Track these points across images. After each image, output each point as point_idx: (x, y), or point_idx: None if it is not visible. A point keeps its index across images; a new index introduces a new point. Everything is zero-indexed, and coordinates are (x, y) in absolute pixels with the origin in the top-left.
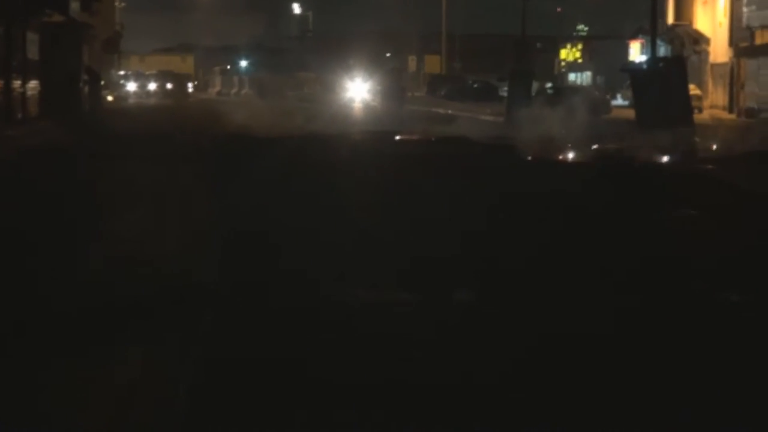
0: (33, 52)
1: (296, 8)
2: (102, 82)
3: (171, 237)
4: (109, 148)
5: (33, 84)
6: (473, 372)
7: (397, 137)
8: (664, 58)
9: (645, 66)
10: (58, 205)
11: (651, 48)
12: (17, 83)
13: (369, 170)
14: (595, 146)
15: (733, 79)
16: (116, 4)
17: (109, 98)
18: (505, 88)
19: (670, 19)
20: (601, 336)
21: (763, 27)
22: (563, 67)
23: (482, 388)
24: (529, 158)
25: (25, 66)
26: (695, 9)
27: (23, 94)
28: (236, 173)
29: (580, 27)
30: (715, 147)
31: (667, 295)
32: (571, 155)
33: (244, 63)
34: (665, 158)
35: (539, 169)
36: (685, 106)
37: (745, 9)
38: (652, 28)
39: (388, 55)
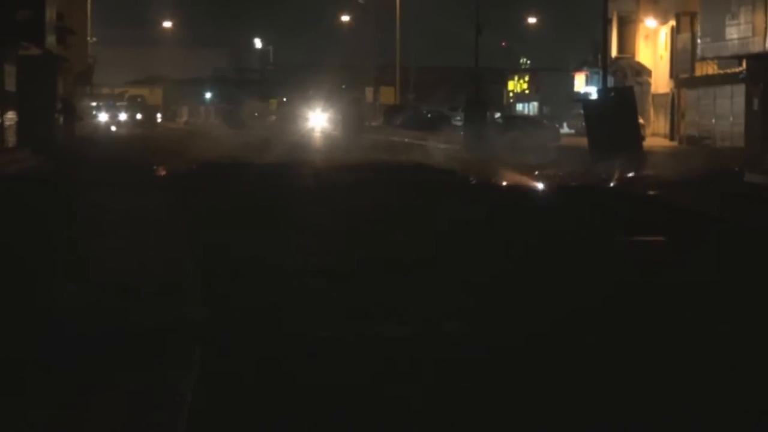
0: (10, 83)
1: (258, 43)
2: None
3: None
4: (84, 176)
5: (11, 115)
6: None
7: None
8: (615, 89)
9: (596, 96)
10: (37, 229)
11: (603, 80)
12: None
13: (347, 198)
14: (553, 172)
15: (674, 108)
16: (89, 39)
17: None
18: (458, 118)
19: (614, 52)
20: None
21: (718, 58)
22: (511, 97)
23: None
24: (498, 184)
25: (3, 97)
26: (637, 43)
27: (1, 124)
28: (202, 200)
29: (523, 60)
30: (665, 172)
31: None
32: (532, 180)
33: (208, 95)
34: (618, 183)
35: (503, 195)
36: (635, 133)
37: (699, 41)
38: (603, 61)
39: (343, 86)
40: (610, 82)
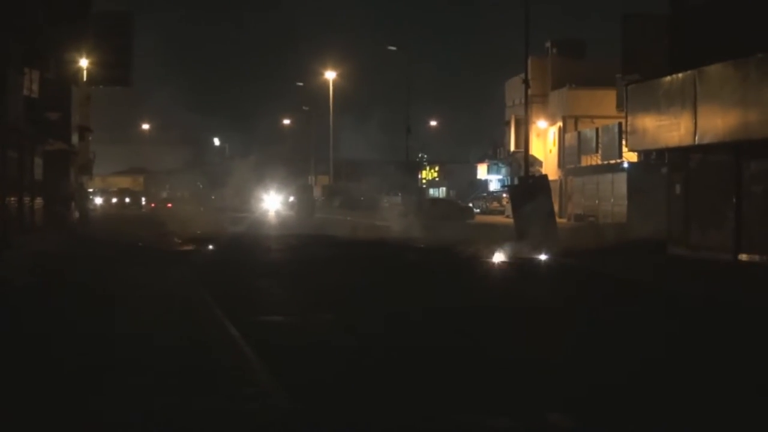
0: (38, 173)
1: (216, 141)
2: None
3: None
4: (100, 253)
5: (39, 200)
6: None
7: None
8: (533, 177)
9: (517, 183)
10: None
11: (525, 168)
12: (27, 199)
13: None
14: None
15: (562, 192)
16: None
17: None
18: (385, 200)
19: (512, 147)
20: None
21: (647, 150)
22: (424, 183)
23: None
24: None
25: (33, 185)
26: (531, 139)
27: (32, 208)
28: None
29: (420, 155)
30: (574, 244)
31: None
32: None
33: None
34: (548, 255)
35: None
36: (550, 211)
37: (628, 136)
38: (525, 154)
39: (292, 174)
40: (508, 171)
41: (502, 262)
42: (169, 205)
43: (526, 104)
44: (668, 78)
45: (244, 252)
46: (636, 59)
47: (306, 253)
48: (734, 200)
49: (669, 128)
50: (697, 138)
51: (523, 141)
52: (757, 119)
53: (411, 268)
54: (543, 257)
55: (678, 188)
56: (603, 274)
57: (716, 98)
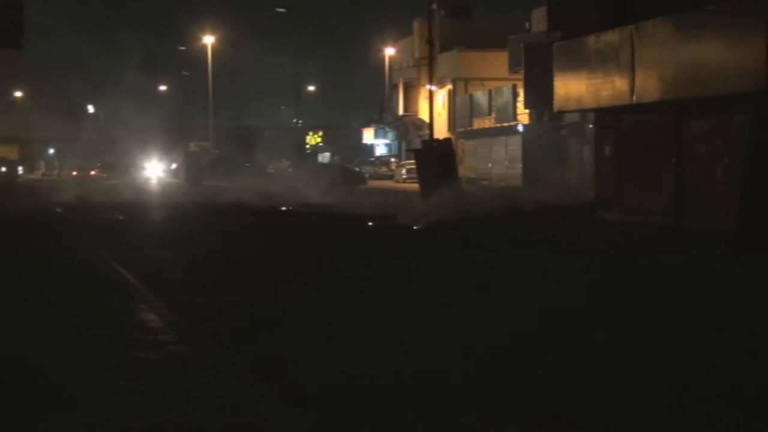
0: None
1: (91, 108)
2: None
3: None
4: None
5: None
6: None
7: None
8: (438, 140)
9: (423, 146)
10: None
11: (430, 133)
12: None
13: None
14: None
15: None
16: None
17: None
18: (270, 166)
19: (401, 110)
20: None
21: (582, 110)
22: (308, 148)
23: None
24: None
25: None
26: (419, 102)
27: None
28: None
29: (295, 120)
30: (486, 209)
31: None
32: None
33: (51, 150)
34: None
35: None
36: (455, 177)
37: (556, 96)
38: (429, 117)
39: (174, 141)
40: (394, 135)
41: (421, 229)
42: (93, 172)
43: (431, 66)
44: (600, 35)
45: (150, 222)
46: (561, 16)
47: (220, 223)
48: (674, 161)
49: (602, 87)
50: (635, 97)
51: (415, 104)
52: (702, 76)
53: (338, 236)
54: (460, 224)
55: (607, 150)
56: (559, 245)
57: (656, 55)
